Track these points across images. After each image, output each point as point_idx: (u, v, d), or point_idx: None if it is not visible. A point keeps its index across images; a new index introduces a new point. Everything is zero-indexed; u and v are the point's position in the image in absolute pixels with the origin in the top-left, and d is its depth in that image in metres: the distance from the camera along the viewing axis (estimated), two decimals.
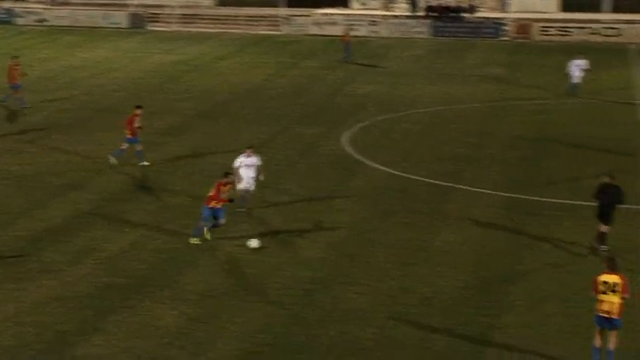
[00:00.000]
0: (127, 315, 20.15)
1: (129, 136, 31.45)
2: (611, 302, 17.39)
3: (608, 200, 23.77)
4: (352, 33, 62.37)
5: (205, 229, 24.41)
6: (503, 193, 29.16)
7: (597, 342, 17.73)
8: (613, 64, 53.53)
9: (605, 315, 17.45)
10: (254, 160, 26.74)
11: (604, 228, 23.82)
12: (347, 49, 56.42)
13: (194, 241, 24.31)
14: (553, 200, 28.34)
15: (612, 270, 17.67)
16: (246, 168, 26.55)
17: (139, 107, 32.03)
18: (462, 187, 29.89)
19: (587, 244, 24.29)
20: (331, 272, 22.75)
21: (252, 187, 26.61)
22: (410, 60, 57.91)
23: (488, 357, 18.40)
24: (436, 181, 30.45)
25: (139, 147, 31.63)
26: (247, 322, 19.84)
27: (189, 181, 30.27)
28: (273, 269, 22.85)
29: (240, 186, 26.30)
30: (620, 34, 65.59)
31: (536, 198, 28.60)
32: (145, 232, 25.45)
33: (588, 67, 45.80)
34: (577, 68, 45.34)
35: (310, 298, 21.15)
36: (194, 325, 19.67)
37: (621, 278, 17.54)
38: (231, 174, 25.30)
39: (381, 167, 32.23)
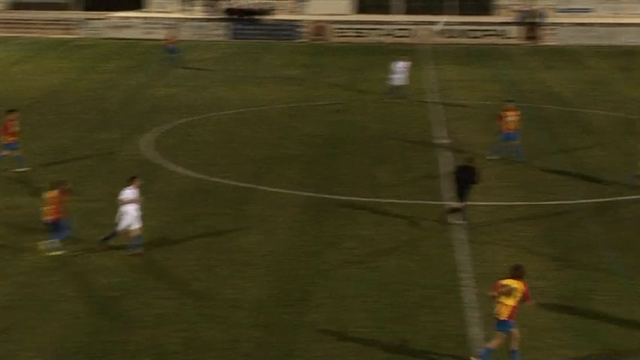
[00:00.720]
0: None
1: (8, 142, 31.02)
2: (502, 304, 17.61)
3: (464, 180, 26.02)
4: (150, 36, 61.97)
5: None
6: (303, 193, 29.72)
7: (492, 343, 17.80)
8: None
9: (496, 316, 17.72)
10: (137, 193, 23.94)
11: (460, 205, 26.03)
12: (173, 52, 56.04)
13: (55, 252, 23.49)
14: (351, 198, 29.10)
15: (514, 277, 17.82)
16: (131, 203, 23.70)
17: (12, 111, 31.61)
18: (263, 188, 30.27)
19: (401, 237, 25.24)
20: (136, 278, 22.59)
21: (138, 225, 23.78)
22: (210, 62, 58.02)
23: (297, 354, 18.75)
24: (239, 183, 30.71)
25: (18, 152, 31.35)
26: (49, 333, 19.45)
27: None
28: (75, 278, 22.48)
29: (124, 224, 23.73)
30: (411, 35, 67.94)
31: (334, 197, 29.29)
32: None
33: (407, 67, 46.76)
34: (400, 70, 46.30)
35: (115, 305, 20.95)
36: None
37: (522, 285, 17.71)
38: (65, 182, 24.10)
39: (184, 171, 32.20)
